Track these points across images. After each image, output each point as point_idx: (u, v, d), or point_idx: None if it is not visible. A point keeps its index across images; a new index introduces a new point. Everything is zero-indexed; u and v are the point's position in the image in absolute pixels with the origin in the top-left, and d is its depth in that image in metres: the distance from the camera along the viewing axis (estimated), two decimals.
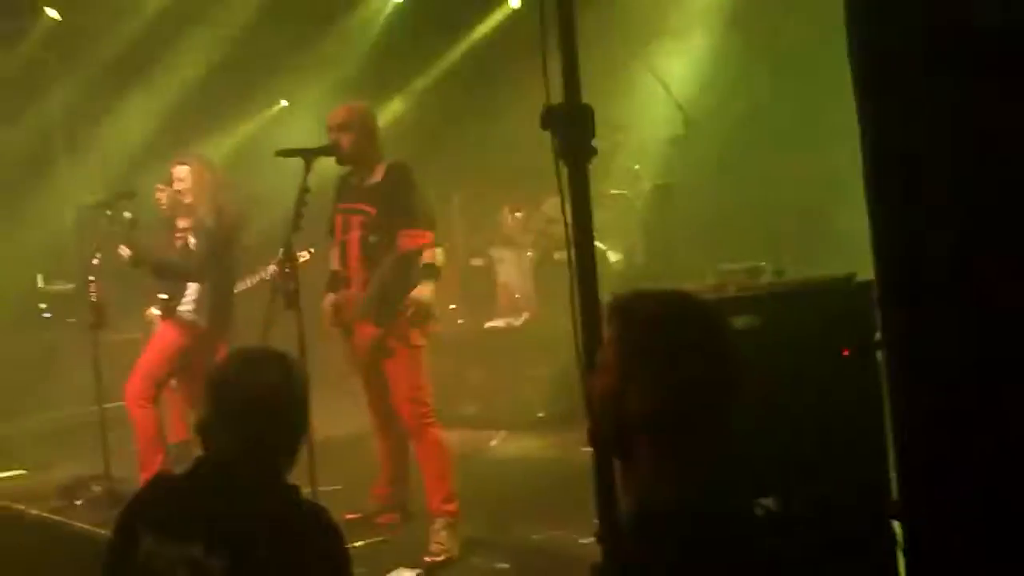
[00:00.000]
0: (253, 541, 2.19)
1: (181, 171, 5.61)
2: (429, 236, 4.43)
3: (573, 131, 2.46)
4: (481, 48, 8.63)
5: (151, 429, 5.37)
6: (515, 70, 7.98)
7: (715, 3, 7.46)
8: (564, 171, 2.47)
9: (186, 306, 5.53)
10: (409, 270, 4.43)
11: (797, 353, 3.11)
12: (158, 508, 2.31)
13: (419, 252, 4.41)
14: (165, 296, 5.60)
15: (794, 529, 1.81)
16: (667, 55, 7.49)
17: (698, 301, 1.84)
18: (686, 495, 1.68)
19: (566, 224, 2.47)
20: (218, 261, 5.53)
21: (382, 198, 4.42)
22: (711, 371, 1.72)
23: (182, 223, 5.67)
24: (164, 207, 5.90)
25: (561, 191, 2.49)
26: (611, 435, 1.77)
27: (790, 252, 4.90)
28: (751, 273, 3.58)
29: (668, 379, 1.70)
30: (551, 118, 2.48)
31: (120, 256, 5.37)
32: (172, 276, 5.56)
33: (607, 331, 1.84)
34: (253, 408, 2.31)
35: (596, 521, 2.50)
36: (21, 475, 6.36)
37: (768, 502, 1.87)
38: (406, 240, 4.39)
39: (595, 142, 2.49)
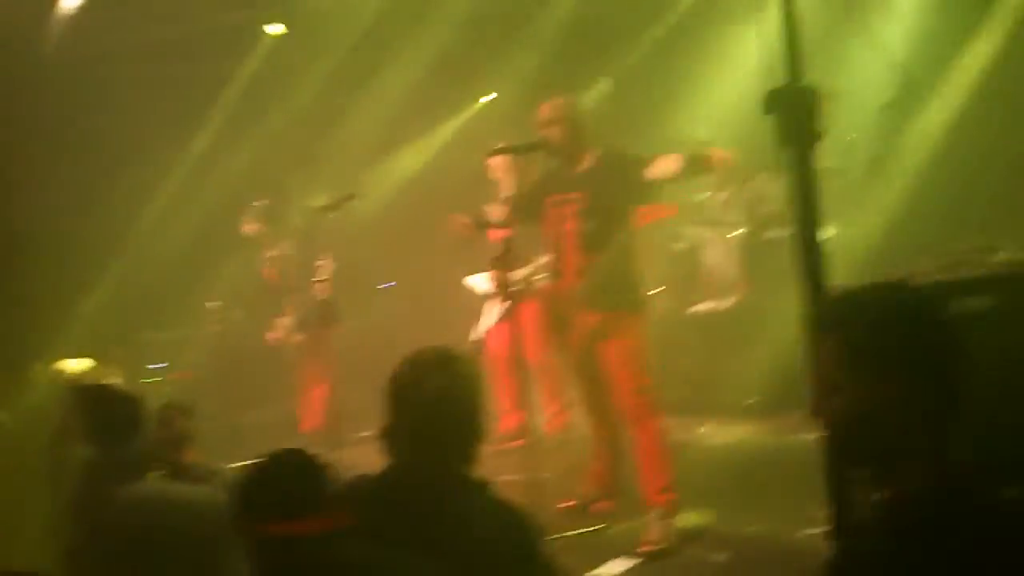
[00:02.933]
0: (448, 545, 2.22)
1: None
2: (672, 208, 4.38)
3: (797, 115, 2.38)
4: (683, 25, 8.49)
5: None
6: (719, 45, 7.86)
7: None
8: (787, 156, 2.41)
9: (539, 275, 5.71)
10: (633, 247, 4.41)
11: None
12: (357, 511, 2.37)
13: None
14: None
15: None
16: (882, 6, 7.05)
17: (921, 294, 1.84)
18: (954, 482, 1.69)
19: (791, 211, 2.40)
20: None
21: (595, 184, 4.43)
22: (951, 365, 1.73)
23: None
24: None
25: (783, 178, 2.42)
26: (870, 450, 1.76)
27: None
28: (984, 252, 3.36)
29: (923, 382, 1.71)
30: (774, 101, 2.40)
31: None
32: None
33: (829, 339, 1.80)
34: (422, 413, 2.35)
35: (821, 515, 2.41)
36: None
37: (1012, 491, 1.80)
38: (644, 215, 4.36)
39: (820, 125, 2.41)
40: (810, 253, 2.40)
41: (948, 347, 1.75)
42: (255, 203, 7.08)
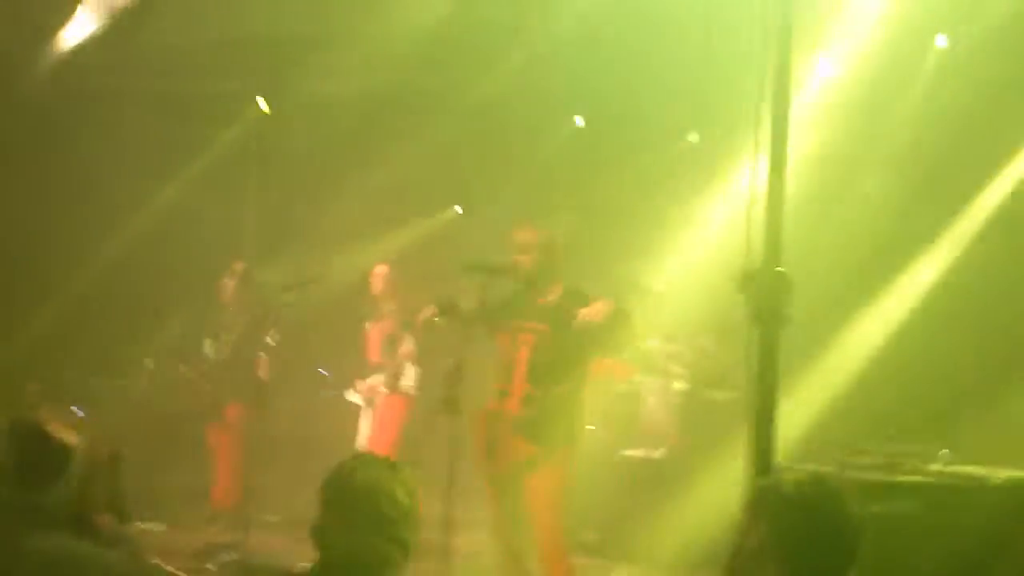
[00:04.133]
0: None
1: (382, 271, 6.72)
2: (630, 369, 4.48)
3: (770, 298, 2.49)
4: (653, 177, 8.78)
5: None
6: (683, 202, 8.12)
7: None
8: (755, 335, 2.51)
9: (408, 382, 6.50)
10: (582, 391, 4.48)
11: (961, 550, 3.03)
12: None
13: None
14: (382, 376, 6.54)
15: None
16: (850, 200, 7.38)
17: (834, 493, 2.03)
18: None
19: (751, 389, 2.48)
20: None
21: (556, 319, 4.49)
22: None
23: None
24: None
25: (747, 355, 2.51)
26: None
27: (958, 434, 4.69)
28: (919, 458, 3.48)
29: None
30: (749, 282, 2.51)
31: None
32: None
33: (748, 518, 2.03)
34: (361, 515, 2.37)
35: None
36: (161, 530, 6.60)
37: None
38: (607, 366, 4.44)
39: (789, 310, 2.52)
40: (763, 429, 2.47)
41: (847, 548, 1.95)
42: (235, 265, 7.12)
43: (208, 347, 7.20)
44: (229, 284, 6.99)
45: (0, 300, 7.35)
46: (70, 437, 3.01)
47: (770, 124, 2.63)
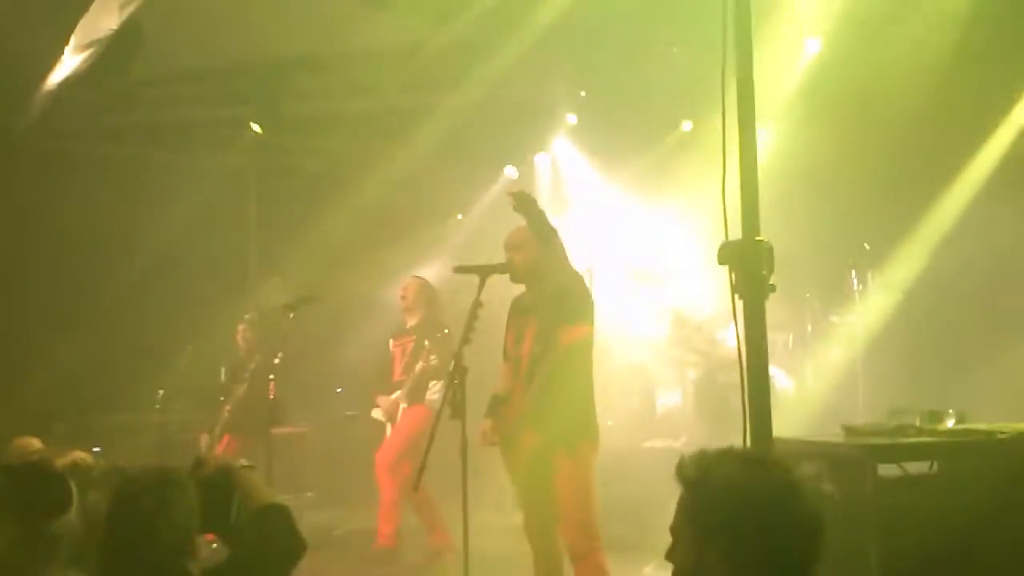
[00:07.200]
0: None
1: (413, 283, 6.56)
2: (587, 329, 4.39)
3: (750, 267, 2.47)
4: (649, 170, 8.78)
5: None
6: (680, 191, 8.06)
7: None
8: (739, 305, 2.48)
9: (433, 395, 6.29)
10: (572, 369, 4.40)
11: (976, 503, 3.01)
12: None
13: (581, 347, 4.39)
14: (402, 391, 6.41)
15: None
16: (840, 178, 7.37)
17: (777, 474, 1.80)
18: None
19: (740, 359, 2.45)
20: None
21: (543, 310, 4.47)
22: (787, 550, 1.70)
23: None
24: None
25: (736, 325, 2.49)
26: None
27: (967, 394, 4.65)
28: (931, 418, 3.43)
29: (743, 559, 1.70)
30: (728, 253, 2.49)
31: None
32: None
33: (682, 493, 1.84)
34: (108, 532, 2.48)
35: None
36: None
37: None
38: (565, 336, 4.34)
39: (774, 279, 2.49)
40: (759, 400, 2.44)
41: (791, 528, 1.72)
42: (246, 316, 7.30)
43: (224, 375, 7.25)
44: (241, 344, 7.15)
45: (16, 341, 7.40)
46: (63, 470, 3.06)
47: (735, 92, 2.60)
